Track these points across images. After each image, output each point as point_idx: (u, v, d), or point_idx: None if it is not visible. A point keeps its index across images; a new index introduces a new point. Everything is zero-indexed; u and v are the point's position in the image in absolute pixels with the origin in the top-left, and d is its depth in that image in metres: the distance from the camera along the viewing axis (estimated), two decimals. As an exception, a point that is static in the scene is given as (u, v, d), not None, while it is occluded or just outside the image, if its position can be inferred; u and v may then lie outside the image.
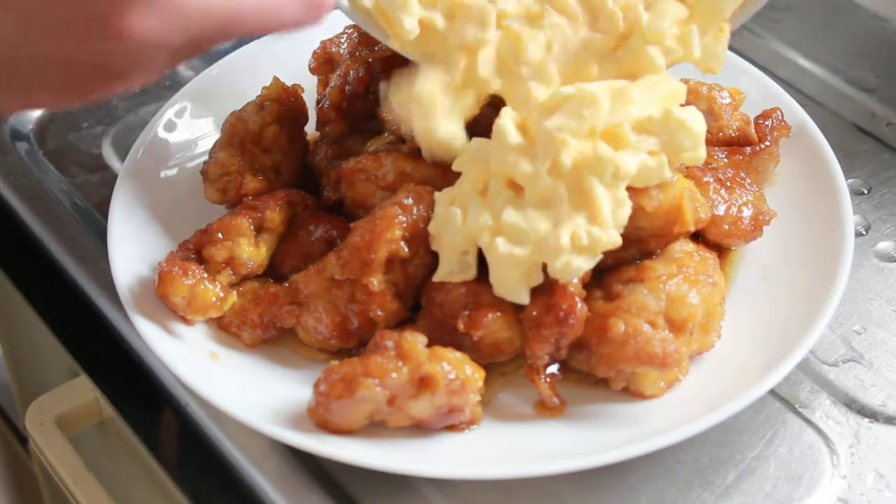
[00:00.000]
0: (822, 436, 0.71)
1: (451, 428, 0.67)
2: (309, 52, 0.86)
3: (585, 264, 0.67)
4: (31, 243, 0.85)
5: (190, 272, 0.72)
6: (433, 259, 0.71)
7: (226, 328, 0.73)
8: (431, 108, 0.72)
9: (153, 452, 0.77)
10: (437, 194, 0.71)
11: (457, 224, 0.69)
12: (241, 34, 0.55)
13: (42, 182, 0.89)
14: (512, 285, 0.68)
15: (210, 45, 0.55)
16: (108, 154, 0.93)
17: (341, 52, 0.84)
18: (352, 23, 0.85)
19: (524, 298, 0.68)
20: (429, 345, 0.66)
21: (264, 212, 0.74)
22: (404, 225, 0.70)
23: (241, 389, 0.68)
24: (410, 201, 0.71)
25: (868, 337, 0.78)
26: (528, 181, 0.68)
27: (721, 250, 0.76)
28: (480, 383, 0.66)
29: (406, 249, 0.71)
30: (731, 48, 0.89)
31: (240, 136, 0.78)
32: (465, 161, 0.72)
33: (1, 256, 0.91)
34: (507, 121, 0.70)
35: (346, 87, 0.81)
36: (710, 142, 0.79)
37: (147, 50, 0.52)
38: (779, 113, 0.81)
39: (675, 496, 0.68)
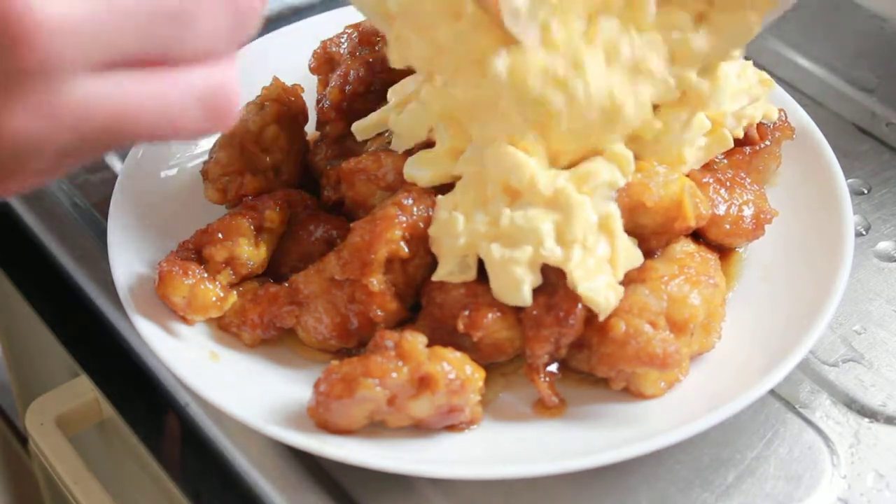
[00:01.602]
0: (822, 436, 0.71)
1: (451, 428, 0.67)
2: (309, 52, 0.86)
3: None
4: (31, 243, 0.85)
5: (190, 272, 0.72)
6: (433, 259, 0.71)
7: (226, 328, 0.73)
8: None
9: (153, 452, 0.77)
10: (438, 198, 0.71)
11: (458, 229, 0.69)
12: (134, 139, 0.49)
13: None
14: (512, 289, 0.68)
15: (103, 149, 0.48)
16: (108, 154, 0.93)
17: (341, 52, 0.84)
18: (352, 23, 0.86)
19: (527, 300, 0.68)
20: (429, 345, 0.66)
21: (264, 212, 0.74)
22: (404, 225, 0.70)
23: (241, 389, 0.68)
24: (410, 201, 0.71)
25: (868, 337, 0.78)
26: (527, 188, 0.69)
27: (725, 251, 0.76)
28: (480, 383, 0.66)
29: (406, 250, 0.71)
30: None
31: (240, 136, 0.78)
32: (464, 164, 0.72)
33: (1, 256, 0.91)
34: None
35: (346, 87, 0.81)
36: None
37: (27, 151, 0.46)
38: (783, 114, 0.81)
39: (675, 496, 0.68)
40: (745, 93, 0.76)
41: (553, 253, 0.67)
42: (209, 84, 0.48)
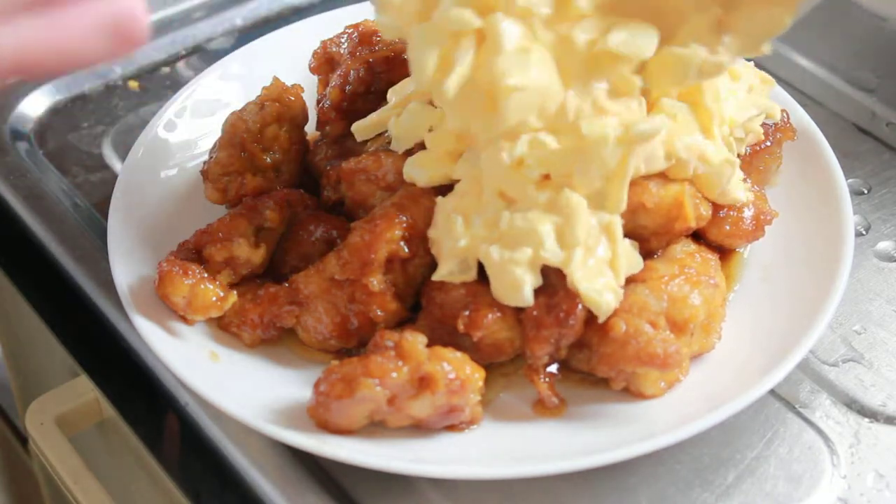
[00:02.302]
0: (822, 436, 0.71)
1: (451, 428, 0.67)
2: (309, 52, 0.86)
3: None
4: (31, 243, 0.85)
5: (190, 272, 0.72)
6: (433, 259, 0.71)
7: (226, 328, 0.73)
8: None
9: (153, 452, 0.77)
10: (438, 200, 0.71)
11: (457, 231, 0.69)
12: (45, 73, 0.54)
13: (42, 182, 0.89)
14: (513, 290, 0.68)
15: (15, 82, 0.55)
16: (108, 154, 0.93)
17: (341, 51, 0.84)
18: (352, 22, 0.86)
19: (528, 300, 0.68)
20: (429, 345, 0.66)
21: (264, 212, 0.74)
22: (404, 225, 0.70)
23: (241, 389, 0.68)
24: (410, 202, 0.71)
25: (868, 337, 0.78)
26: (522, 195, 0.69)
27: (725, 252, 0.76)
28: (480, 383, 0.66)
29: (406, 250, 0.71)
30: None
31: (240, 135, 0.78)
32: (462, 166, 0.72)
33: (1, 256, 0.91)
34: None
35: (347, 87, 0.81)
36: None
37: None
38: (785, 115, 0.81)
39: (675, 496, 0.68)
40: (753, 104, 0.76)
41: (554, 254, 0.67)
42: (112, 10, 0.52)
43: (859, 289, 0.81)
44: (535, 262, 0.67)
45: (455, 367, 0.65)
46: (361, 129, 0.79)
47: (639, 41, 0.66)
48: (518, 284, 0.67)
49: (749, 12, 0.66)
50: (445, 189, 0.72)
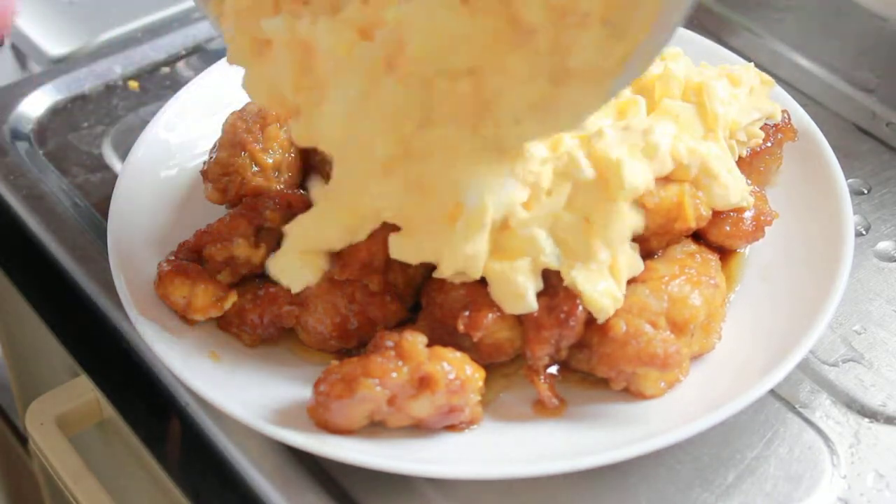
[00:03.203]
0: (822, 436, 0.71)
1: (451, 428, 0.67)
2: (309, 52, 0.86)
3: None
4: (31, 243, 0.85)
5: (190, 272, 0.72)
6: (433, 259, 0.71)
7: (226, 328, 0.73)
8: None
9: (153, 452, 0.77)
10: None
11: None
12: None
13: (42, 182, 0.89)
14: (516, 297, 0.67)
15: None
16: (108, 154, 0.93)
17: (341, 52, 0.84)
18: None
19: (532, 306, 0.68)
20: (429, 345, 0.66)
21: (264, 212, 0.74)
22: (404, 225, 0.70)
23: (241, 389, 0.68)
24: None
25: (868, 337, 0.78)
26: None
27: (726, 252, 0.76)
28: (480, 383, 0.66)
29: (406, 249, 0.71)
30: (731, 48, 0.89)
31: (240, 135, 0.78)
32: None
33: (1, 256, 0.91)
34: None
35: (347, 87, 0.81)
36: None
37: None
38: (786, 115, 0.81)
39: (675, 496, 0.67)
40: (754, 107, 0.76)
41: (554, 258, 0.67)
42: None
43: (859, 289, 0.81)
44: (535, 267, 0.67)
45: (455, 367, 0.65)
46: None
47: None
48: (521, 291, 0.67)
49: (573, 89, 0.60)
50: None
